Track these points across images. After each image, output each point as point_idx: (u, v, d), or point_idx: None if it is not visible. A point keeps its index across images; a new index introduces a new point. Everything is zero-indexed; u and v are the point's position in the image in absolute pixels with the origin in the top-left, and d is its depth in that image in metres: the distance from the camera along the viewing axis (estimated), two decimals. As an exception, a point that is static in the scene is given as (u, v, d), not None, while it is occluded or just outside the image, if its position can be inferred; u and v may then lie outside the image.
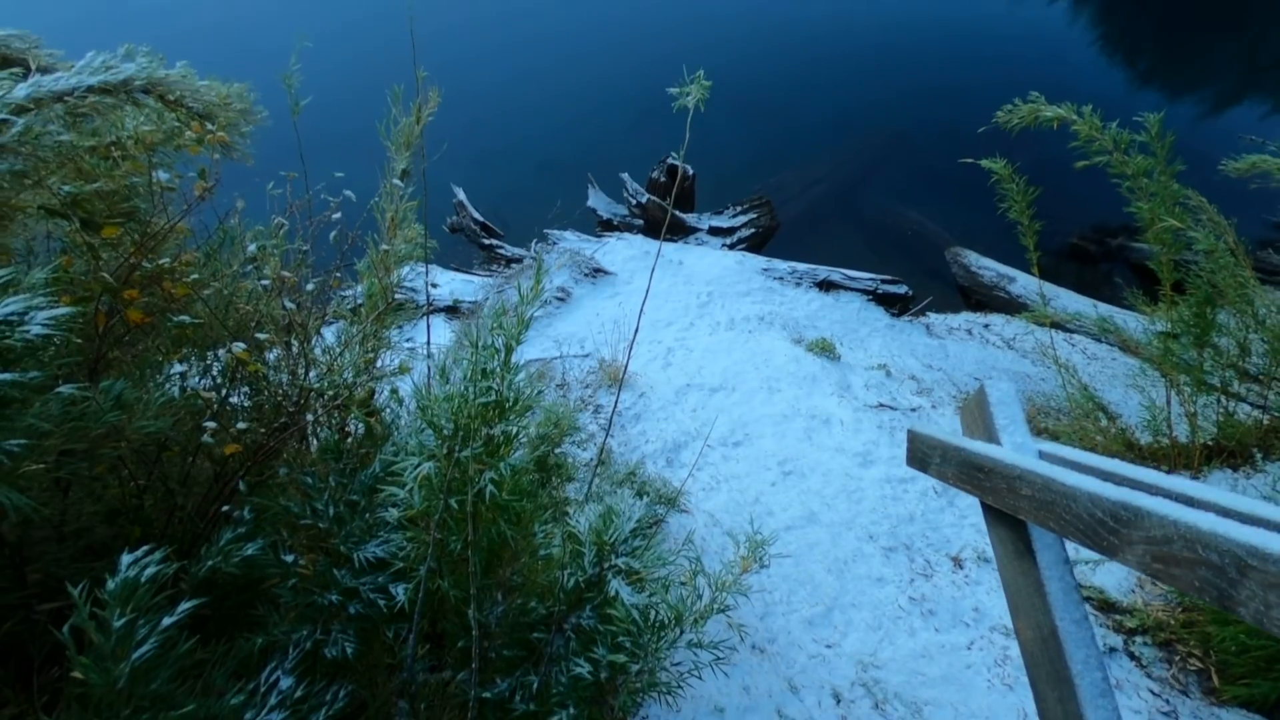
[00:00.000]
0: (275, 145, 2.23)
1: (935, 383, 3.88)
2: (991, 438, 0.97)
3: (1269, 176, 2.97)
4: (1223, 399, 2.88)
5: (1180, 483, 0.73)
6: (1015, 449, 0.93)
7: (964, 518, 2.79)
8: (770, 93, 7.01)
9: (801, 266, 4.98)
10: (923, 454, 1.14)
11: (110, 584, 0.95)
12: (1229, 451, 2.82)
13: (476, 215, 5.51)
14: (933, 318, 5.03)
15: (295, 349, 1.62)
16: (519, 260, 5.19)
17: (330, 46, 6.76)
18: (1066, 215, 5.93)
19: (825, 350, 3.88)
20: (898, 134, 6.77)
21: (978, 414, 1.02)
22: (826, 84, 7.18)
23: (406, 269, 2.05)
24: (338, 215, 1.61)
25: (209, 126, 1.65)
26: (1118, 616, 2.28)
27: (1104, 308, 4.72)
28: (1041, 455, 0.92)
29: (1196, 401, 2.86)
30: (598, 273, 4.78)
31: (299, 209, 1.90)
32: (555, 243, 5.13)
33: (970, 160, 3.07)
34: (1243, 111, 7.73)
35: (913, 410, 3.55)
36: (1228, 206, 3.14)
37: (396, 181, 1.75)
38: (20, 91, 1.46)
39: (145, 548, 1.00)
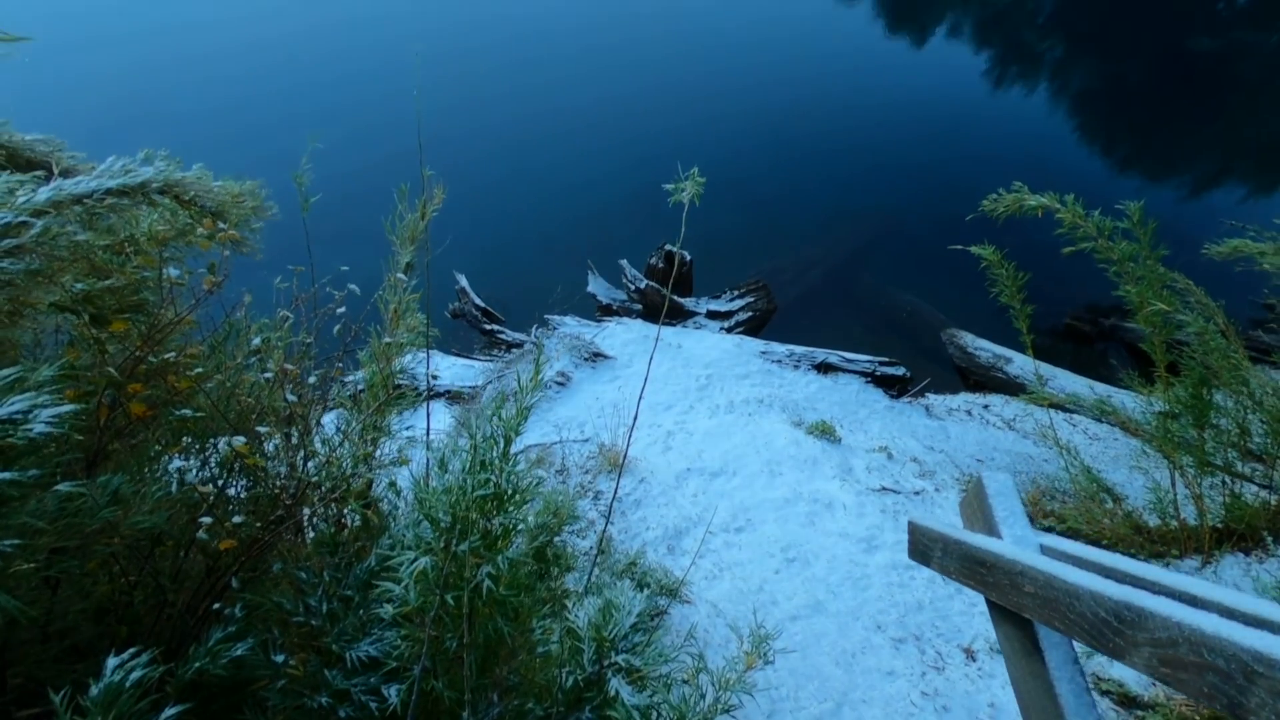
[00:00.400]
0: (285, 236, 2.30)
1: (937, 465, 3.86)
2: (992, 530, 0.96)
3: (1252, 260, 3.05)
4: (1228, 479, 2.86)
5: (1184, 580, 0.72)
6: (1016, 542, 0.92)
7: (974, 605, 2.72)
8: (765, 178, 7.27)
9: (799, 349, 5.03)
10: (924, 546, 1.13)
11: (94, 689, 0.92)
12: (1239, 535, 2.78)
13: (478, 301, 5.61)
14: (932, 399, 5.04)
15: (295, 440, 1.63)
16: (519, 345, 5.25)
17: (342, 139, 7.05)
18: (1059, 296, 6.04)
19: (825, 433, 3.87)
20: (889, 218, 6.97)
21: (977, 506, 1.02)
22: (819, 170, 7.45)
23: (408, 357, 2.08)
24: (342, 310, 1.65)
25: (221, 225, 1.71)
26: (1139, 712, 2.19)
27: (1101, 388, 4.74)
28: (1043, 549, 0.91)
29: (1201, 483, 2.84)
30: (597, 357, 4.82)
31: (304, 301, 1.94)
32: (555, 327, 5.20)
33: (960, 247, 3.16)
34: (1222, 195, 7.98)
35: (916, 493, 3.51)
36: (1215, 287, 3.21)
37: (400, 275, 1.80)
38: (42, 195, 1.52)
39: (131, 650, 0.98)
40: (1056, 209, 2.82)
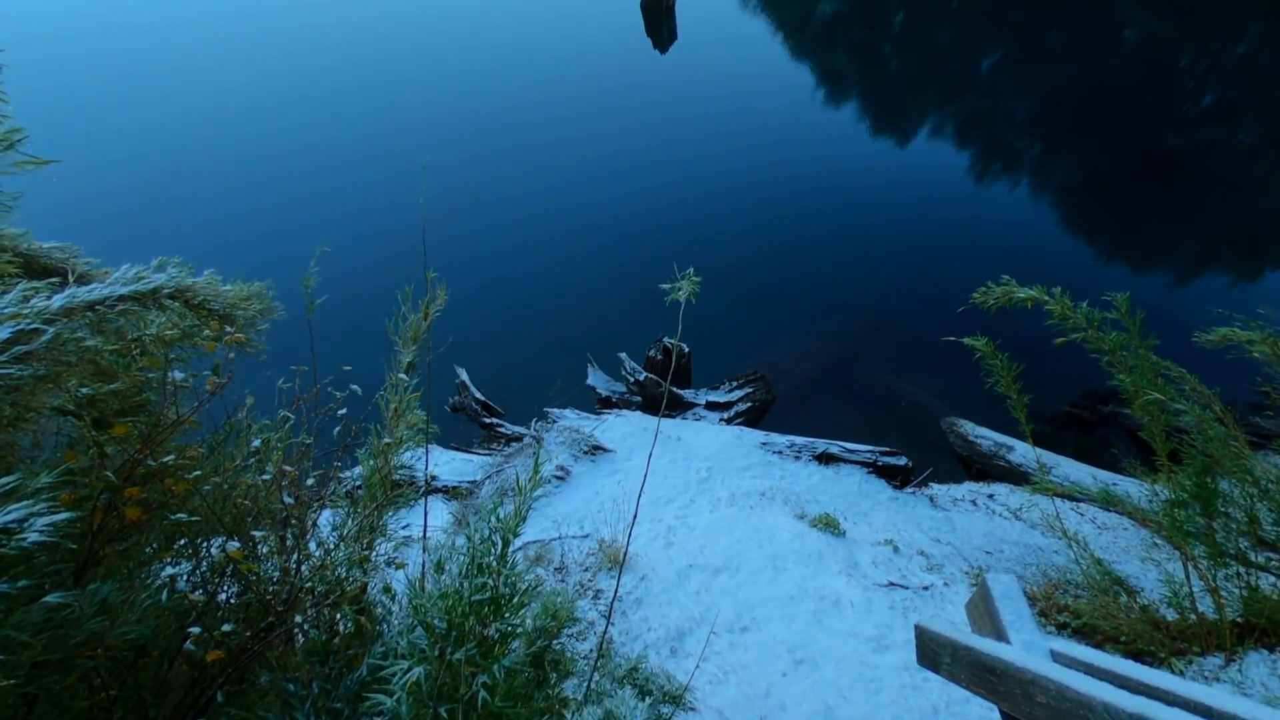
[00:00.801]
0: (290, 333, 2.34)
1: (945, 558, 3.77)
2: (1000, 635, 0.94)
3: (1242, 348, 3.09)
4: (1243, 570, 2.79)
5: (1199, 690, 0.70)
6: (1025, 647, 0.90)
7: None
8: (760, 271, 7.45)
9: (799, 440, 5.02)
10: (933, 652, 1.10)
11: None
12: (1260, 630, 2.68)
13: (478, 395, 5.64)
14: (936, 488, 4.98)
15: (290, 543, 1.61)
16: (519, 439, 5.24)
17: (349, 238, 7.27)
18: (1056, 382, 6.07)
19: (829, 526, 3.81)
20: (883, 309, 7.10)
21: (983, 609, 1.00)
22: (813, 263, 7.64)
23: (407, 454, 2.07)
24: (343, 411, 1.66)
25: (228, 329, 1.75)
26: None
27: (1105, 476, 4.69)
28: (1054, 654, 0.89)
29: (1215, 574, 2.77)
30: (597, 450, 4.80)
31: (306, 401, 1.96)
32: (555, 420, 5.20)
33: (953, 339, 3.21)
34: (1206, 282, 8.17)
35: (925, 588, 3.42)
36: (1208, 374, 3.23)
37: (402, 376, 1.82)
38: (56, 302, 1.56)
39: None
40: (1045, 301, 2.89)
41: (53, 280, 1.88)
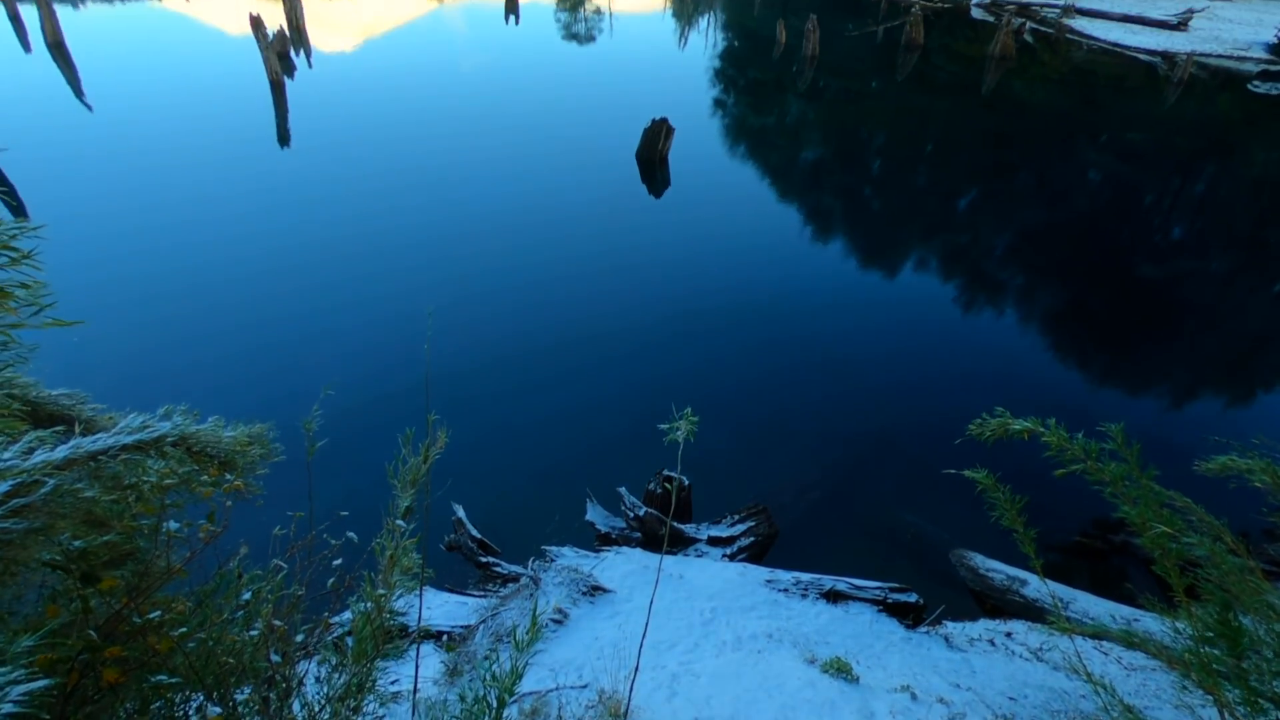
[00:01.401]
0: (289, 473, 2.33)
1: (967, 705, 3.55)
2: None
3: (1245, 476, 3.07)
4: (1282, 717, 2.62)
5: None
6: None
7: None
8: (757, 401, 7.51)
9: (805, 576, 4.86)
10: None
11: None
12: (1311, 785, 2.48)
13: (474, 533, 5.51)
14: (950, 626, 4.77)
15: (273, 705, 1.52)
16: (516, 579, 5.07)
17: (350, 376, 7.37)
18: (1065, 511, 5.98)
19: (841, 671, 3.61)
20: (882, 438, 7.11)
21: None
22: (809, 394, 7.73)
23: (400, 601, 2.01)
24: (338, 561, 1.63)
25: (227, 476, 1.75)
26: None
27: (1126, 611, 4.52)
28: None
29: (1256, 722, 2.59)
30: (596, 590, 4.64)
31: (300, 549, 1.92)
32: (553, 559, 5.06)
33: (953, 471, 3.20)
34: (1201, 406, 8.24)
35: (947, 741, 3.20)
36: (1214, 503, 3.19)
37: (400, 522, 1.81)
38: (59, 453, 1.57)
39: None
40: (1041, 433, 2.90)
41: (58, 429, 1.90)
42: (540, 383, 7.63)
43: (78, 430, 1.78)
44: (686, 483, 5.64)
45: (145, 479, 1.86)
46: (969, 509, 5.70)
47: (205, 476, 1.91)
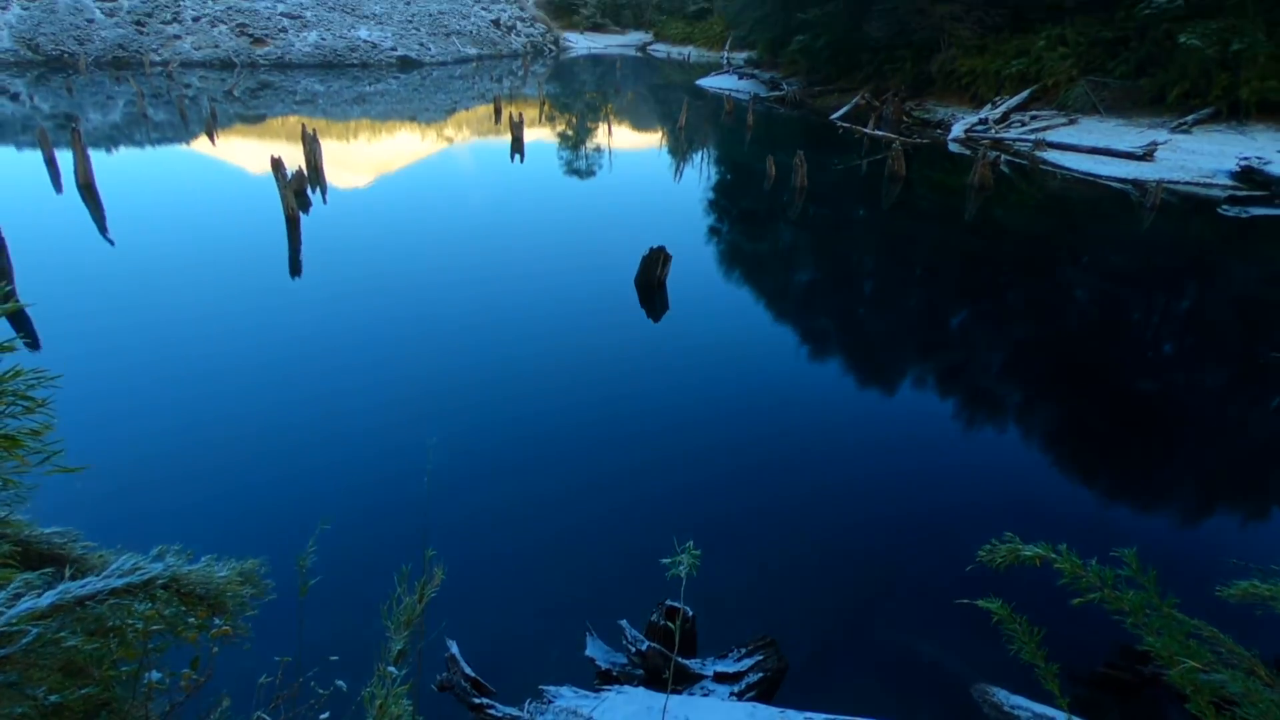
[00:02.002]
0: (280, 609, 2.25)
1: None
2: None
3: (1269, 604, 2.96)
4: None
5: None
6: None
7: None
8: (762, 527, 7.37)
9: (818, 717, 4.57)
10: None
11: None
12: None
13: (468, 671, 5.24)
14: (978, 773, 4.44)
15: None
16: (511, 721, 4.77)
17: (347, 507, 7.26)
18: (1089, 640, 5.70)
19: (863, 827, 3.32)
20: (892, 564, 6.91)
21: None
22: (814, 519, 7.59)
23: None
24: (325, 715, 1.56)
25: (216, 620, 1.70)
26: None
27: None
28: None
29: None
30: (597, 734, 4.35)
31: (285, 698, 1.84)
32: (551, 700, 4.78)
33: (966, 601, 3.09)
34: (1216, 523, 8.07)
35: None
36: (1241, 630, 3.05)
37: (391, 668, 1.73)
38: (46, 600, 1.53)
39: None
40: (1053, 559, 2.83)
41: (46, 572, 1.86)
42: (539, 510, 7.52)
43: (67, 573, 1.74)
44: (690, 613, 5.42)
45: (130, 623, 1.81)
46: (988, 639, 5.44)
47: (193, 619, 1.86)
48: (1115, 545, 2.97)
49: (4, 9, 50.88)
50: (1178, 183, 22.32)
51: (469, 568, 6.40)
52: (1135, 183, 22.61)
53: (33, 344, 10.02)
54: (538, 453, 8.50)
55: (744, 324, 12.97)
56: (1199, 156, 24.41)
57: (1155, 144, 25.20)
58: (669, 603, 5.34)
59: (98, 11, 53.74)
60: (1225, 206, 20.18)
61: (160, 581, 1.80)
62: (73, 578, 1.74)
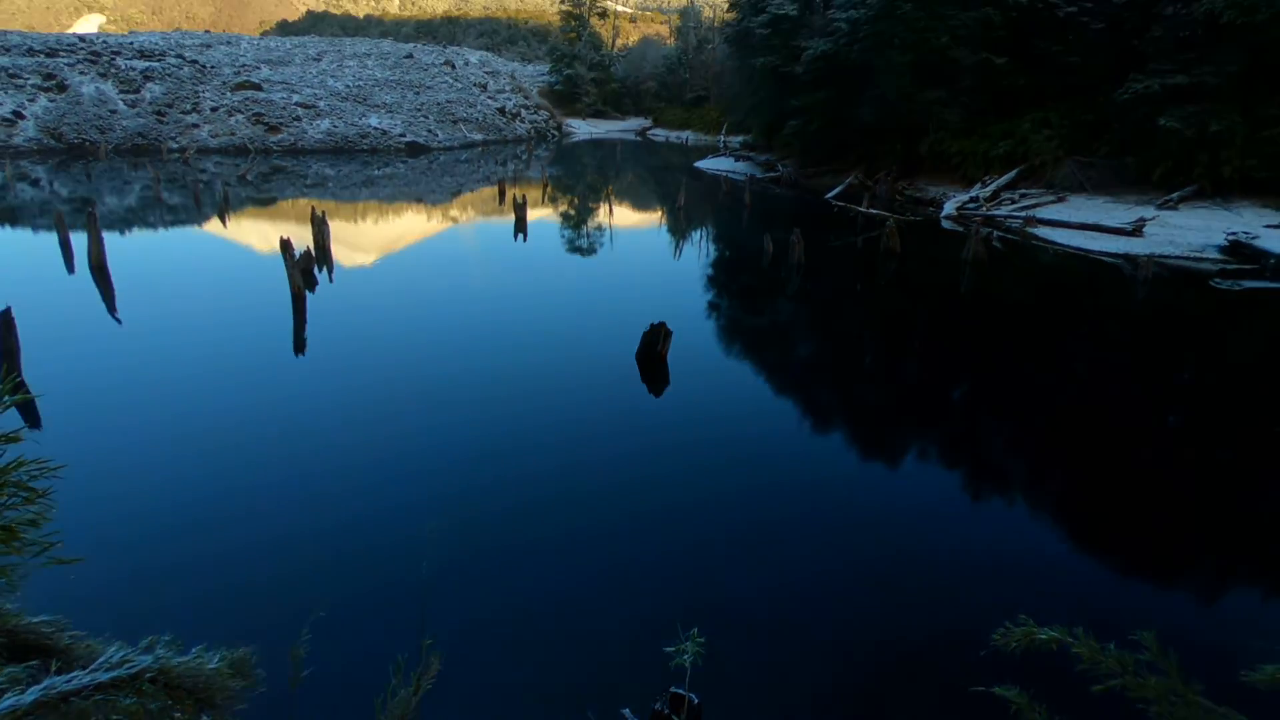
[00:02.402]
0: (269, 703, 2.17)
1: None
2: None
3: (1297, 689, 2.85)
4: None
5: None
6: None
7: None
8: (769, 603, 7.16)
9: (834, 814, 4.33)
10: None
11: None
12: None
13: (465, 765, 4.99)
14: None
15: None
16: (508, 822, 4.51)
17: (343, 589, 7.09)
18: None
19: None
20: (904, 640, 6.69)
21: None
22: (821, 595, 7.40)
23: None
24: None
25: (204, 718, 1.64)
26: None
27: None
28: None
29: None
30: (599, 836, 4.10)
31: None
32: (551, 797, 4.54)
33: (982, 689, 2.97)
34: (1237, 597, 7.84)
35: None
36: (1273, 717, 2.93)
37: (385, 767, 1.66)
38: (30, 696, 1.48)
39: None
40: (1070, 642, 2.74)
41: (31, 664, 1.81)
42: (539, 591, 7.33)
43: (53, 667, 1.69)
44: (696, 701, 5.21)
45: (115, 719, 1.74)
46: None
47: (179, 713, 1.80)
48: (1133, 627, 2.88)
49: (32, 100, 53.26)
50: (1169, 257, 22.75)
51: (468, 653, 6.19)
52: (1127, 257, 23.05)
53: (33, 423, 10.01)
54: (539, 532, 8.35)
55: (746, 399, 12.97)
56: (1187, 232, 24.98)
57: (1144, 220, 25.84)
58: (674, 689, 5.13)
59: (121, 102, 56.23)
60: (1218, 280, 20.50)
61: (149, 675, 1.75)
62: (59, 670, 1.70)
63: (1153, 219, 26.30)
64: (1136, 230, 25.31)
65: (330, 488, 9.15)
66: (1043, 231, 27.30)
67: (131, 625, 1.88)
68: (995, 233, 27.65)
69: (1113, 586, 7.83)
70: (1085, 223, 27.09)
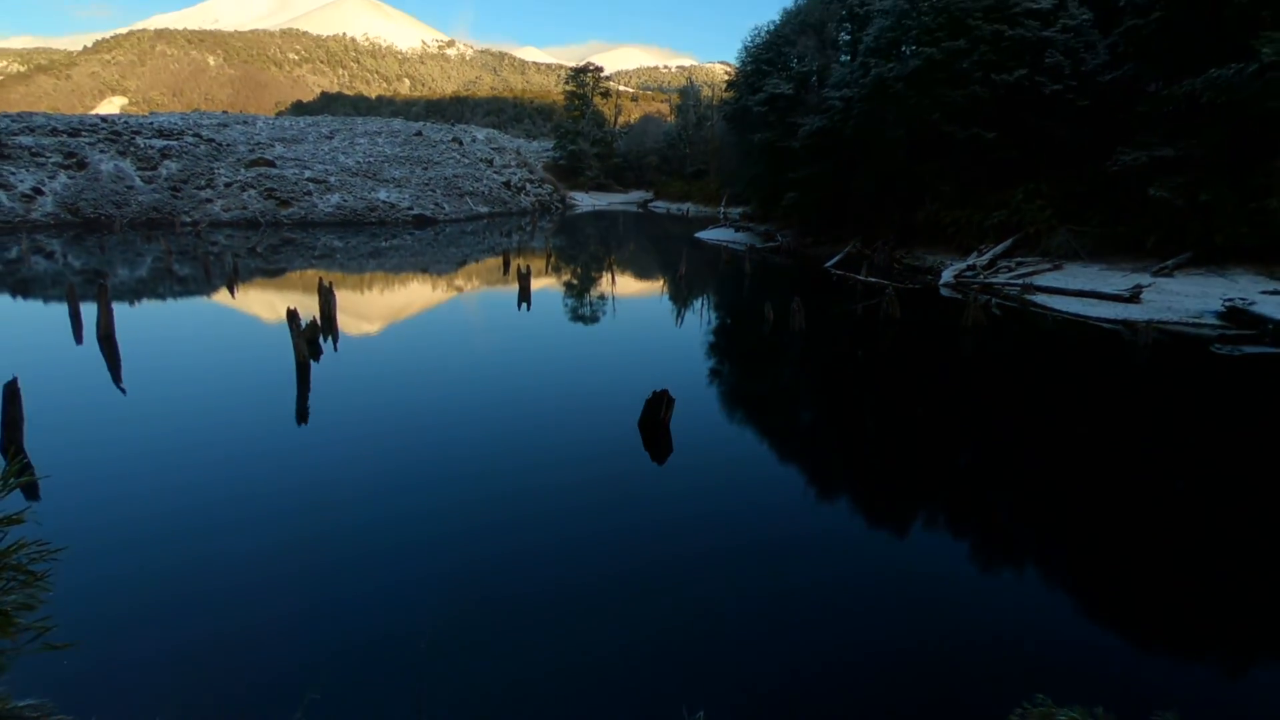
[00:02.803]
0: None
1: None
2: None
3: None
4: None
5: None
6: None
7: None
8: (776, 679, 6.92)
9: None
10: None
11: None
12: None
13: None
14: None
15: None
16: None
17: (338, 684, 6.89)
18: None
19: None
20: (919, 725, 6.43)
21: None
22: (830, 670, 7.15)
23: None
24: None
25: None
26: None
27: None
28: None
29: None
30: None
31: None
32: None
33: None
34: (1258, 677, 7.56)
35: None
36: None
37: None
38: (10, 787, 1.43)
39: None
40: (1091, 725, 2.64)
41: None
42: (542, 670, 7.10)
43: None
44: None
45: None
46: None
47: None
48: (1155, 706, 2.78)
49: (52, 177, 55.00)
50: (1167, 323, 22.91)
51: (463, 736, 5.96)
52: (1126, 323, 23.22)
53: (32, 495, 9.93)
54: (541, 606, 8.14)
55: (750, 467, 12.86)
56: (1184, 298, 25.24)
57: (1140, 286, 26.16)
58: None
59: (138, 179, 58.03)
60: (1218, 345, 20.58)
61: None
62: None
63: (1149, 285, 26.62)
64: (1134, 297, 25.58)
65: (328, 564, 8.98)
66: (1041, 298, 27.61)
67: (122, 709, 1.83)
68: (994, 300, 27.96)
69: (1132, 663, 7.56)
70: (1083, 289, 27.42)
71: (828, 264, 38.29)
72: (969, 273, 32.55)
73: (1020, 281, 29.59)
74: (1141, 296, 25.67)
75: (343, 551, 9.23)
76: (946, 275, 32.68)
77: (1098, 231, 32.02)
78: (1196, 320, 23.20)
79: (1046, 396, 17.20)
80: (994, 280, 30.89)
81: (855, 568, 9.39)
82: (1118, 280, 27.93)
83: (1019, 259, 33.13)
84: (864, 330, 23.65)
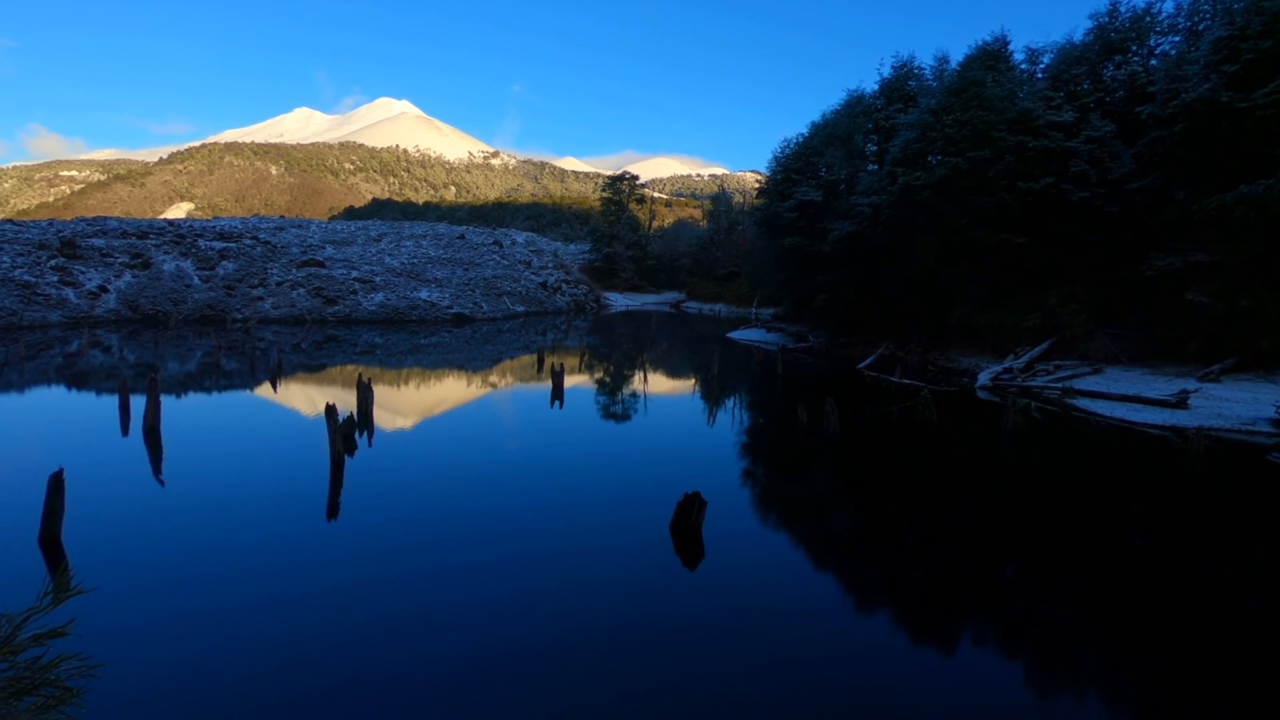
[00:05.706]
0: None
1: None
2: None
3: None
4: None
5: None
6: None
7: None
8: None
9: None
10: None
11: None
12: None
13: None
14: None
15: None
16: None
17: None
18: None
19: None
20: None
21: None
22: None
23: None
24: None
25: None
26: None
27: None
28: None
29: None
30: None
31: None
32: None
33: None
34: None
35: None
36: None
37: None
38: None
39: None
40: None
41: None
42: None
43: None
44: None
45: None
46: None
47: None
48: None
49: (118, 276, 58.34)
50: (1219, 430, 22.13)
51: None
52: (1175, 430, 22.49)
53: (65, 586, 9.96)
54: (568, 715, 7.77)
55: (783, 574, 12.41)
56: (1234, 404, 24.46)
57: (1186, 391, 25.47)
58: None
59: (196, 277, 61.23)
60: (1275, 454, 19.73)
61: None
62: None
63: (1195, 390, 25.92)
64: (1180, 402, 24.88)
65: (352, 663, 8.75)
66: (1082, 402, 26.99)
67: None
68: (1033, 403, 27.39)
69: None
70: (1126, 394, 26.78)
71: (861, 365, 38.18)
72: (1006, 375, 32.12)
73: (1059, 385, 29.05)
74: (1188, 402, 24.95)
75: (370, 651, 9.00)
76: (983, 378, 32.28)
77: (1136, 335, 31.61)
78: (1250, 428, 22.38)
79: (1098, 507, 16.49)
80: (1032, 383, 30.38)
81: (892, 684, 8.83)
82: (1161, 385, 27.27)
83: (1056, 361, 32.69)
84: (901, 433, 23.22)
